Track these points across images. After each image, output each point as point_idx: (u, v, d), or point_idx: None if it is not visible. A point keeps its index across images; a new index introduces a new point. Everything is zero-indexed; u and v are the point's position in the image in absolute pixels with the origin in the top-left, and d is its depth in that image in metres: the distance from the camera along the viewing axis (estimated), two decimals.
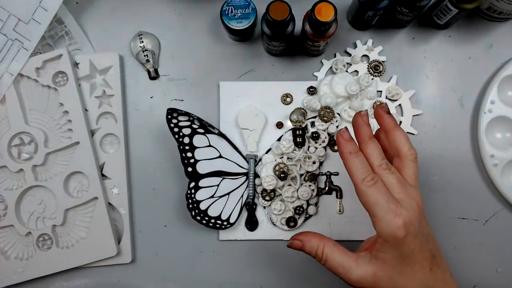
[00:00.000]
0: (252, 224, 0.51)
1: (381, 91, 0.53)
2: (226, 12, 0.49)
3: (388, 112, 0.39)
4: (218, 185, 0.50)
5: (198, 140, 0.49)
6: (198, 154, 0.50)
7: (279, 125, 0.53)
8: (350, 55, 0.54)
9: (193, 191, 0.49)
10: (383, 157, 0.37)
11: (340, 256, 0.37)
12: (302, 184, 0.51)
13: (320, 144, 0.51)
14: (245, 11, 0.49)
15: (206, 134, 0.50)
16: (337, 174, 0.52)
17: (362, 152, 0.37)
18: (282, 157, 0.51)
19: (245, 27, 0.49)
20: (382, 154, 0.37)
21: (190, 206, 0.49)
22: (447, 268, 0.38)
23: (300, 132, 0.50)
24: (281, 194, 0.50)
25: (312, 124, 0.52)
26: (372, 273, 0.36)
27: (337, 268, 0.37)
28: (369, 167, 0.36)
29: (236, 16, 0.49)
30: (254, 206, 0.51)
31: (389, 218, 0.34)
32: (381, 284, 0.36)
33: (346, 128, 0.37)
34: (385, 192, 0.35)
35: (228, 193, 0.50)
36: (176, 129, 0.49)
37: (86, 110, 0.53)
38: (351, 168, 0.36)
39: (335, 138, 0.52)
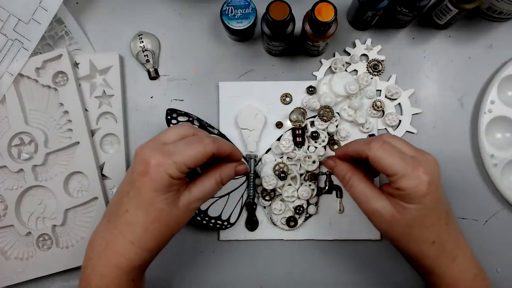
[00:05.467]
0: (252, 224, 0.51)
1: (380, 90, 0.53)
2: (226, 12, 0.49)
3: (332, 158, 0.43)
4: None
5: None
6: None
7: (279, 125, 0.53)
8: (349, 54, 0.54)
9: None
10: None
11: (365, 186, 0.38)
12: (302, 183, 0.51)
13: (320, 144, 0.51)
14: (245, 11, 0.49)
15: None
16: None
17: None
18: (282, 157, 0.51)
19: (245, 27, 0.49)
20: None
21: None
22: (458, 225, 0.39)
23: (300, 131, 0.50)
24: (281, 194, 0.50)
25: (312, 123, 0.52)
26: (391, 211, 0.36)
27: (358, 195, 0.38)
28: (369, 140, 0.37)
29: (236, 16, 0.49)
30: (254, 206, 0.51)
31: (410, 172, 0.34)
32: (396, 227, 0.36)
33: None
34: (397, 150, 0.35)
35: (228, 193, 0.50)
36: None
37: (86, 110, 0.53)
38: (353, 150, 0.37)
39: (335, 139, 0.52)
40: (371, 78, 0.52)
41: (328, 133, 0.51)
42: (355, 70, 0.53)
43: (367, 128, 0.51)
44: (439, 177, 0.36)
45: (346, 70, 0.53)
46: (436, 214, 0.36)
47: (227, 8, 0.49)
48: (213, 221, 0.50)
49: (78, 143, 0.51)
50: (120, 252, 0.36)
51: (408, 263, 0.41)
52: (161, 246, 0.39)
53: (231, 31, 0.50)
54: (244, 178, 0.51)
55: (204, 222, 0.50)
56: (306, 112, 0.52)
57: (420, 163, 0.34)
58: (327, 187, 0.52)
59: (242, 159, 0.42)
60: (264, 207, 0.51)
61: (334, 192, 0.52)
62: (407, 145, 0.37)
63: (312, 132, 0.51)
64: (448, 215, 0.37)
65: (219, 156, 0.38)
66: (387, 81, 0.53)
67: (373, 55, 0.53)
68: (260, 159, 0.52)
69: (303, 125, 0.51)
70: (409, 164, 0.34)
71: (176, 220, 0.37)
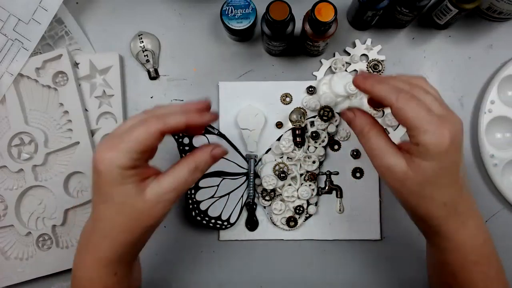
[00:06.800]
0: (252, 224, 0.51)
1: None
2: (226, 12, 0.49)
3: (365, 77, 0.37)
4: (218, 185, 0.50)
5: (198, 140, 0.49)
6: None
7: (279, 125, 0.53)
8: (349, 54, 0.54)
9: (193, 191, 0.49)
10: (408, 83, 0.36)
11: (383, 141, 0.36)
12: (302, 183, 0.51)
13: (320, 144, 0.51)
14: (245, 11, 0.49)
15: (206, 135, 0.50)
16: (337, 173, 0.52)
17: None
18: (282, 157, 0.51)
19: (245, 27, 0.49)
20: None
21: (190, 206, 0.49)
22: (472, 195, 0.37)
23: (300, 131, 0.50)
24: (281, 194, 0.50)
25: (312, 123, 0.52)
26: (404, 169, 0.34)
27: (374, 150, 0.36)
28: (401, 87, 0.34)
29: (236, 16, 0.49)
30: (254, 206, 0.51)
31: (433, 128, 0.32)
32: (408, 185, 0.35)
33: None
34: (425, 105, 0.33)
35: (228, 193, 0.50)
36: None
37: (86, 110, 0.53)
38: (378, 93, 0.34)
39: (336, 137, 0.52)
40: None
41: (328, 133, 0.51)
42: (355, 70, 0.53)
43: None
44: (462, 140, 0.34)
45: (346, 70, 0.53)
46: (452, 175, 0.34)
47: (227, 8, 0.49)
48: (213, 221, 0.50)
49: (78, 143, 0.51)
50: (96, 246, 0.36)
51: (416, 224, 0.39)
52: (136, 240, 0.36)
53: (231, 31, 0.50)
54: (244, 178, 0.51)
55: (204, 222, 0.50)
56: (306, 112, 0.52)
57: (446, 121, 0.33)
58: (327, 187, 0.52)
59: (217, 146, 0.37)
60: (264, 207, 0.51)
61: (334, 192, 0.52)
62: (438, 101, 0.35)
63: (312, 132, 0.51)
64: (464, 180, 0.36)
65: (175, 131, 0.34)
66: None
67: (373, 55, 0.53)
68: (260, 159, 0.52)
69: (303, 125, 0.51)
70: (434, 120, 0.32)
71: (144, 213, 0.34)
